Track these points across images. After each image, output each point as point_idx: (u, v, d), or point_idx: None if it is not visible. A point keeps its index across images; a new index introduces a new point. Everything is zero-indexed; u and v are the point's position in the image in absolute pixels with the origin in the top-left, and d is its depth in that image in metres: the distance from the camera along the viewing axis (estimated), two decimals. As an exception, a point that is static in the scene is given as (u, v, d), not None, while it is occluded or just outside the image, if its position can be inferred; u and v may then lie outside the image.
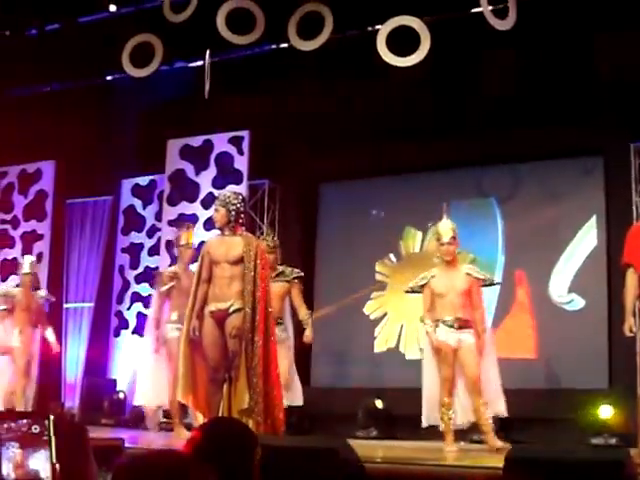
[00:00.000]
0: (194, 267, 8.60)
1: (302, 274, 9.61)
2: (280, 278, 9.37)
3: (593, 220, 10.96)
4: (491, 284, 8.70)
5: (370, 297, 12.12)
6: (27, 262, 11.23)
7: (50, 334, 11.22)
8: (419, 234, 11.98)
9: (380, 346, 11.91)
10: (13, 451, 3.15)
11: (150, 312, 10.34)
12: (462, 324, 8.21)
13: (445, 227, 8.43)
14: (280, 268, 9.50)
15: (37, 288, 11.31)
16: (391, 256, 12.05)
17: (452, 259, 8.39)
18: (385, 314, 12.01)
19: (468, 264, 8.89)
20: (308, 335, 9.30)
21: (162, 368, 9.70)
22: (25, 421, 3.21)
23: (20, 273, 11.19)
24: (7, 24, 12.42)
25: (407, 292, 8.86)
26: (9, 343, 10.71)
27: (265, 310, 7.61)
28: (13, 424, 3.15)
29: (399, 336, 11.84)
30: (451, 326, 8.20)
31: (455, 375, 8.24)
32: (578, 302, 10.91)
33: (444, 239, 8.36)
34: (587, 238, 10.99)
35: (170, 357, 9.37)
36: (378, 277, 12.12)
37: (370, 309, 12.09)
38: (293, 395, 9.35)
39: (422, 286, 8.46)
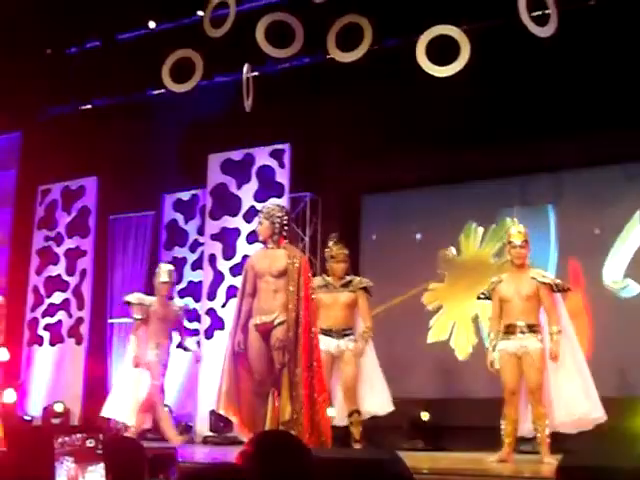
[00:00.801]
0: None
1: (370, 284, 9.60)
2: (348, 288, 9.41)
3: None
4: (560, 290, 8.47)
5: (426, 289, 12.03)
6: (164, 270, 10.48)
7: (191, 344, 10.98)
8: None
9: (433, 337, 11.80)
10: (68, 465, 3.17)
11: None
12: (526, 330, 8.12)
13: (517, 230, 8.38)
14: (348, 278, 9.53)
15: (171, 298, 10.73)
16: (452, 249, 11.89)
17: (522, 263, 8.33)
18: (440, 307, 11.93)
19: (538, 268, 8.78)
20: (359, 347, 9.26)
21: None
22: (79, 436, 3.23)
23: (157, 282, 10.38)
24: (48, 42, 12.55)
25: (479, 299, 8.78)
26: (144, 357, 10.06)
27: (309, 322, 7.60)
28: (67, 439, 3.17)
29: (450, 332, 11.72)
30: (514, 333, 8.13)
31: (520, 386, 8.14)
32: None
33: (516, 242, 8.30)
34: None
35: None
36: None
37: (427, 300, 11.99)
38: (376, 402, 9.42)
39: (490, 291, 8.42)
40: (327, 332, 9.15)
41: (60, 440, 3.23)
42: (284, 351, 7.46)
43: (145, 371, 10.02)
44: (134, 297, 10.50)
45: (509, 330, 8.15)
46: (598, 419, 8.18)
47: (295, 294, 7.54)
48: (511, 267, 8.41)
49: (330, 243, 9.71)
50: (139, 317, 10.24)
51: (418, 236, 12.23)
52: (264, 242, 7.88)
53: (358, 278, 9.61)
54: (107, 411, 10.38)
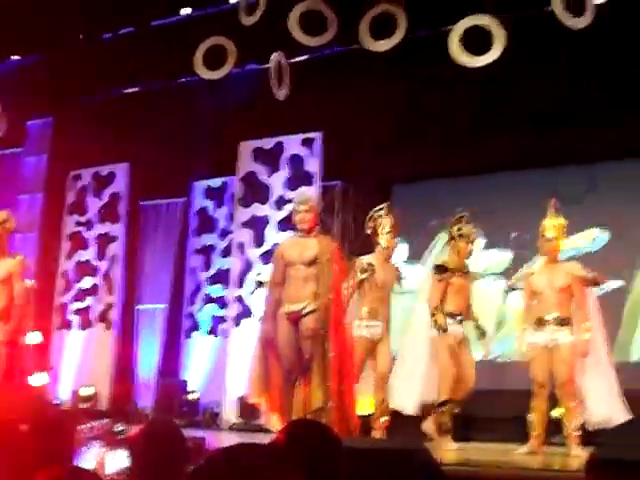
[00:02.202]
0: None
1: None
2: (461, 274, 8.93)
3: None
4: (596, 284, 8.41)
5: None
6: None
7: None
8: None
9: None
10: (96, 450, 3.18)
11: None
12: (559, 323, 8.04)
13: (550, 223, 8.29)
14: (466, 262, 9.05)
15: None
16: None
17: (554, 257, 8.26)
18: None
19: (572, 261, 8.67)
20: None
21: None
22: (107, 420, 3.24)
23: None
24: (82, 28, 12.57)
25: (507, 290, 8.71)
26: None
27: (339, 312, 7.59)
28: (95, 423, 3.18)
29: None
30: (546, 325, 8.05)
31: (550, 380, 8.08)
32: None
33: (547, 234, 8.23)
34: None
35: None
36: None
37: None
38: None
39: (522, 282, 8.37)
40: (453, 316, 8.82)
41: (89, 425, 3.24)
42: (314, 340, 7.44)
43: None
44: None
45: (540, 323, 8.09)
46: (619, 421, 8.12)
47: (326, 283, 7.52)
48: (544, 259, 8.34)
49: (462, 221, 8.99)
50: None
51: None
52: (308, 231, 7.77)
53: None
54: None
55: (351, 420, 7.50)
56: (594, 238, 10.94)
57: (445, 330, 8.48)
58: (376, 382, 8.79)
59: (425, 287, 9.04)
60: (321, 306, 7.46)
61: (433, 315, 8.52)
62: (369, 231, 8.97)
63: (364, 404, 8.85)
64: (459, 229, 8.86)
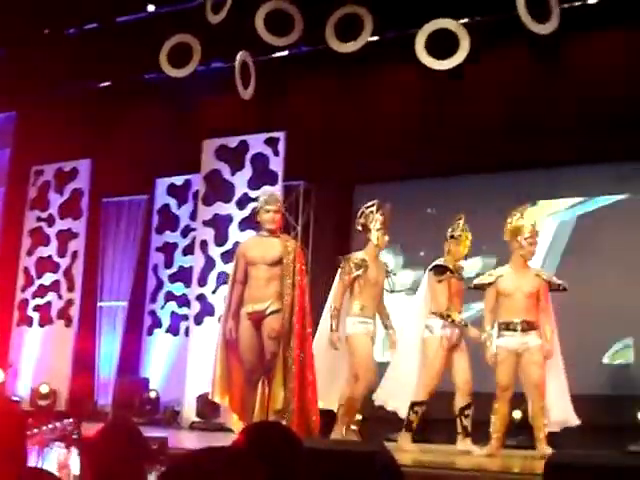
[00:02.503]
0: None
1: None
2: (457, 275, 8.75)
3: None
4: (564, 289, 8.30)
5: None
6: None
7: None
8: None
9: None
10: (58, 451, 3.17)
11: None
12: (527, 327, 8.04)
13: (532, 225, 8.21)
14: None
15: None
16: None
17: (527, 260, 8.21)
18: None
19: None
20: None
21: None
22: (69, 421, 3.23)
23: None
24: (46, 23, 12.50)
25: (471, 288, 8.59)
26: None
27: (302, 312, 7.60)
28: (58, 424, 3.17)
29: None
30: (515, 329, 8.09)
31: (513, 383, 8.10)
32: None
33: (528, 237, 8.09)
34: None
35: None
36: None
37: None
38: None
39: (489, 284, 8.25)
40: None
41: (50, 426, 3.23)
42: (278, 341, 7.44)
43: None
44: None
45: (509, 327, 8.08)
46: (570, 424, 8.21)
47: (290, 283, 7.53)
48: (515, 262, 8.31)
49: (459, 222, 8.81)
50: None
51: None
52: (274, 231, 7.76)
53: None
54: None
55: (312, 421, 7.53)
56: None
57: (466, 325, 8.46)
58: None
59: (422, 289, 9.00)
60: (285, 306, 7.47)
61: (447, 317, 8.45)
62: (359, 227, 8.77)
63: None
64: (452, 230, 8.77)
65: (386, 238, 8.74)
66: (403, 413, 8.70)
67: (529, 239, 8.13)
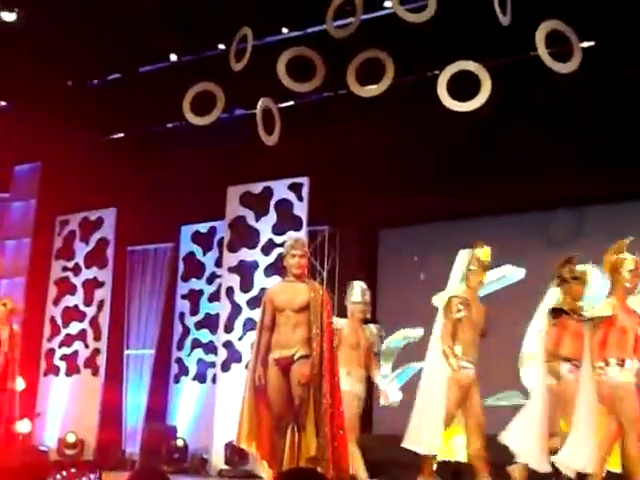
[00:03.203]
0: None
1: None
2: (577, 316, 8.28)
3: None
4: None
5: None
6: (357, 288, 8.88)
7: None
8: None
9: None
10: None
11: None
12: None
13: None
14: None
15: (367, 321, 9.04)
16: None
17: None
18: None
19: None
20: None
21: None
22: (76, 470, 3.20)
23: (349, 301, 8.85)
24: (70, 74, 12.61)
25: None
26: None
27: (331, 356, 7.54)
28: (65, 473, 3.15)
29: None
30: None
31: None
32: None
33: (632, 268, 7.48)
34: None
35: None
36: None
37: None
38: None
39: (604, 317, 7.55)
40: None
41: (58, 476, 3.21)
42: (309, 387, 7.37)
43: None
44: None
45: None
46: None
47: (319, 329, 7.47)
48: (618, 296, 7.57)
49: (573, 262, 8.41)
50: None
51: (422, 276, 12.04)
52: (300, 276, 7.72)
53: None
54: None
55: (342, 468, 7.44)
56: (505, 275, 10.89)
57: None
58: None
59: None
60: (316, 353, 7.41)
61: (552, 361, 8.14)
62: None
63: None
64: (571, 271, 8.37)
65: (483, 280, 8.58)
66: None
67: (634, 271, 7.55)
